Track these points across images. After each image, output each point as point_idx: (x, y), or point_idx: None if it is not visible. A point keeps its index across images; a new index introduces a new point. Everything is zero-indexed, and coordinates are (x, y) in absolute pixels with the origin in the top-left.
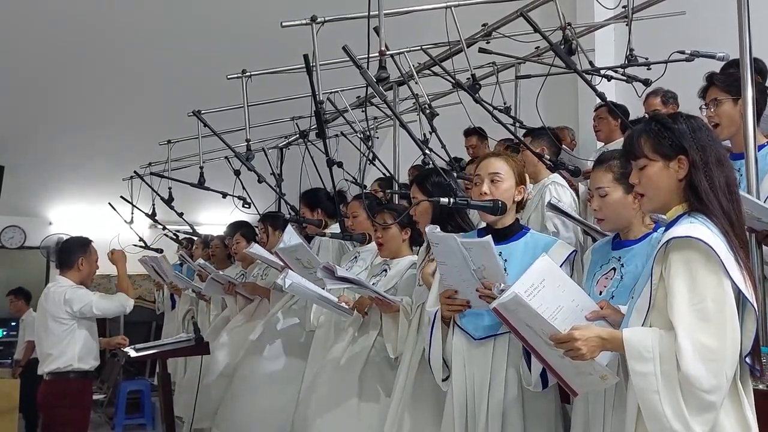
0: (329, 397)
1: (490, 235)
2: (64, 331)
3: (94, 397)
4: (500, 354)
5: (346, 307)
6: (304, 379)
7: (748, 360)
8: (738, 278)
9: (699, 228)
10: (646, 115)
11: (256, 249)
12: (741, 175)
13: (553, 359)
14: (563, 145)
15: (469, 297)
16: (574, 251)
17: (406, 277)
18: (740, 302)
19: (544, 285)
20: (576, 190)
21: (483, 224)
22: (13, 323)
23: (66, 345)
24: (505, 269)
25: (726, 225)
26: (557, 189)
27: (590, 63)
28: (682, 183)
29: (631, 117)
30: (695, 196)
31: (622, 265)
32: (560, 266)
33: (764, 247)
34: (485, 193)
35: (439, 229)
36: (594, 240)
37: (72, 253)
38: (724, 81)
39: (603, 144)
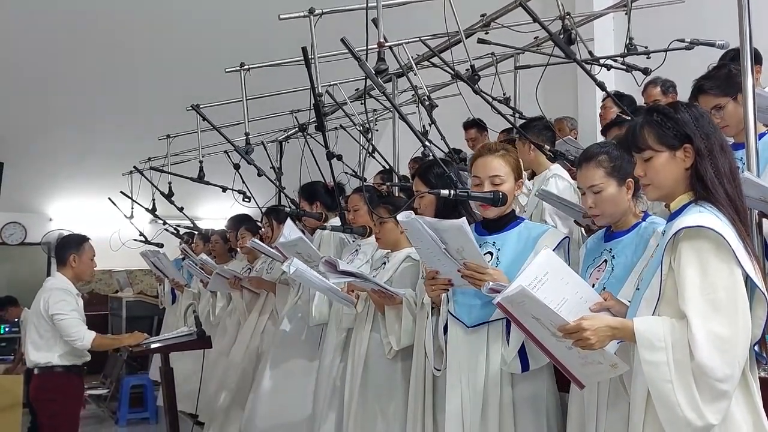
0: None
1: (464, 217)
2: (45, 328)
3: (98, 392)
4: (495, 340)
5: (350, 296)
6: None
7: (756, 348)
8: (748, 267)
9: (708, 217)
10: (645, 105)
11: (255, 242)
12: (743, 163)
13: (560, 351)
14: (570, 136)
15: (450, 276)
16: (565, 237)
17: (401, 269)
18: (750, 290)
19: (547, 278)
20: None
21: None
22: (16, 319)
23: (47, 342)
24: (497, 258)
25: (732, 213)
26: (557, 181)
27: (589, 52)
28: (688, 171)
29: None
30: (701, 185)
31: (614, 257)
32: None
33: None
34: None
35: (413, 213)
36: (588, 232)
37: (65, 249)
38: (717, 86)
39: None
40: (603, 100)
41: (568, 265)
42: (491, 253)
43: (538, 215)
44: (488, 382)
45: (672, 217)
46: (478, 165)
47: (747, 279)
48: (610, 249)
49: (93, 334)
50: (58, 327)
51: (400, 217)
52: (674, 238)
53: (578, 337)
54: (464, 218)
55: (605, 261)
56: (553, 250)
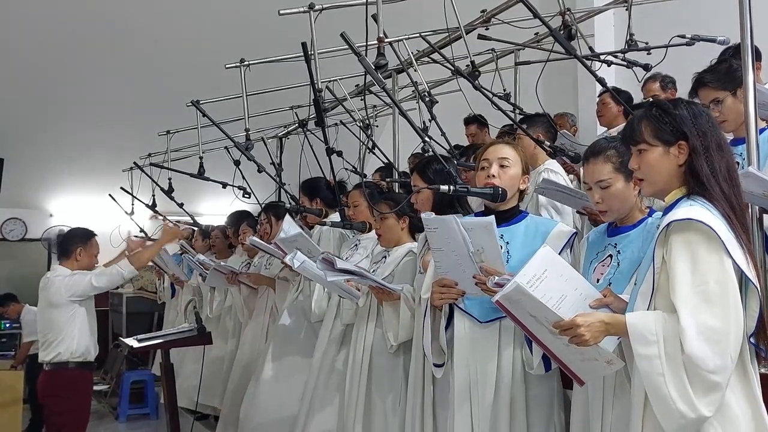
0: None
1: (493, 216)
2: (63, 319)
3: (98, 387)
4: (507, 335)
5: (354, 289)
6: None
7: (752, 340)
8: (740, 258)
9: (698, 210)
10: (644, 100)
11: (255, 239)
12: (743, 159)
13: (558, 348)
14: (566, 131)
15: (466, 285)
16: (574, 233)
17: (403, 264)
18: (743, 282)
19: (546, 275)
20: (578, 176)
21: (482, 207)
22: (16, 315)
23: (65, 334)
24: (507, 252)
25: (727, 209)
26: (549, 176)
27: (590, 48)
28: (682, 168)
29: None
30: (696, 181)
31: (619, 252)
32: (561, 249)
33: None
34: (493, 176)
35: (434, 215)
36: (592, 222)
37: (71, 242)
38: (717, 79)
39: (606, 129)
40: (599, 96)
41: (571, 260)
42: (501, 247)
43: (533, 209)
44: (500, 378)
45: (666, 211)
46: (488, 150)
47: (742, 274)
48: (615, 244)
49: (127, 260)
50: (98, 285)
51: (426, 218)
52: (665, 231)
53: (572, 334)
54: (492, 216)
55: (610, 256)
56: (563, 246)
